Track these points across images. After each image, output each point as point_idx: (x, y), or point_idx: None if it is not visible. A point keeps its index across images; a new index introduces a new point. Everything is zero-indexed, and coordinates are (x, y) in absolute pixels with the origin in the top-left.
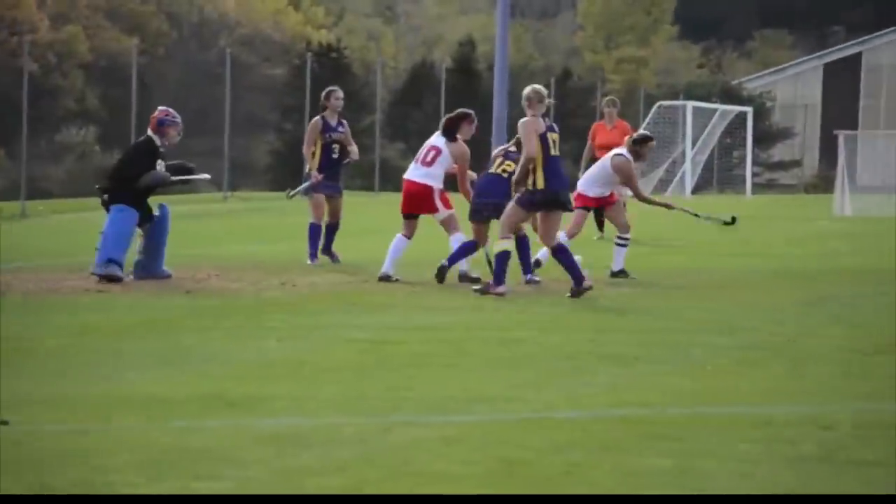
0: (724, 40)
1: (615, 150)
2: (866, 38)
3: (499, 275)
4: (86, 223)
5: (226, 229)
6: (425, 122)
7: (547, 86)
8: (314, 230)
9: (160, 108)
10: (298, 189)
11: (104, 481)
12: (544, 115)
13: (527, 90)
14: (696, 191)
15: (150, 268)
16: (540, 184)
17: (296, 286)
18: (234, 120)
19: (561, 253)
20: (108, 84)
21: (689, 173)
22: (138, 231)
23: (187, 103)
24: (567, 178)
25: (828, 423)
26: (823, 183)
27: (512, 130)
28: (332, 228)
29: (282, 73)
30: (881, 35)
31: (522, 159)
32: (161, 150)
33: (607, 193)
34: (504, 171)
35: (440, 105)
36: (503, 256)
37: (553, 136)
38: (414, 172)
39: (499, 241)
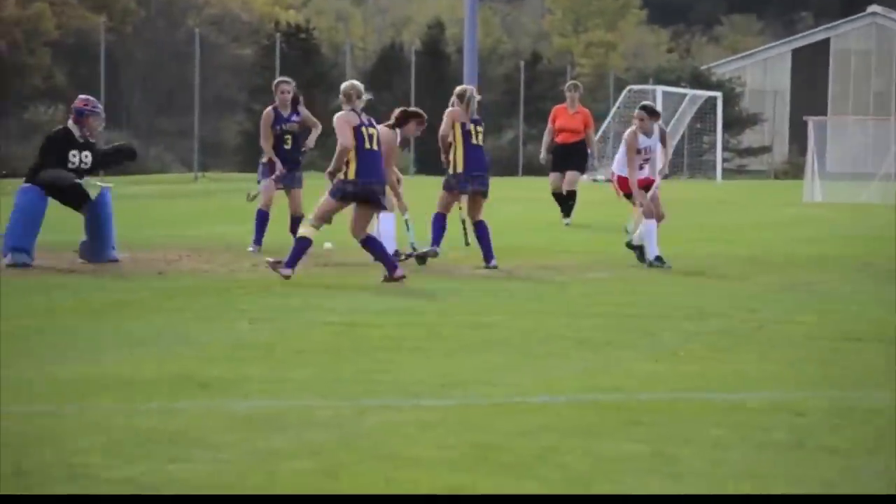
0: (692, 25)
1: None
2: (834, 23)
3: (292, 258)
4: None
5: (197, 210)
6: (394, 104)
7: (516, 69)
8: (262, 217)
9: (80, 96)
10: (258, 192)
11: (78, 463)
12: (363, 111)
13: (344, 85)
14: (666, 176)
15: (96, 252)
16: (352, 175)
17: (267, 268)
18: (203, 100)
19: (370, 242)
20: (75, 62)
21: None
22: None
23: (156, 83)
24: (382, 174)
25: (800, 410)
26: (793, 169)
27: (483, 114)
28: (297, 221)
29: (251, 54)
30: (849, 21)
31: (337, 150)
32: (80, 140)
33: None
34: (482, 140)
35: (409, 87)
36: (303, 243)
37: (370, 131)
38: None
39: (306, 226)
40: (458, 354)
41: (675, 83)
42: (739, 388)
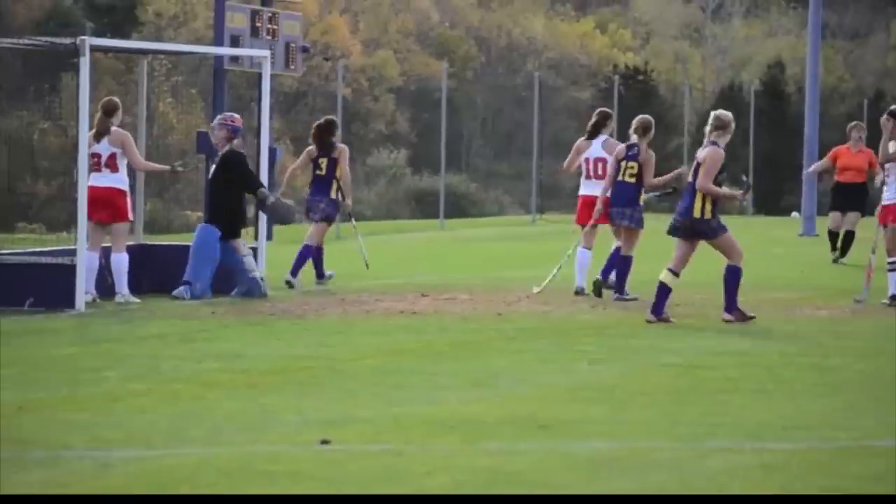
0: None
1: None
2: None
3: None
4: (398, 245)
5: (534, 252)
6: (731, 145)
7: (859, 108)
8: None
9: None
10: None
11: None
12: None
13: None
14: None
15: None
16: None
17: (606, 309)
18: (541, 143)
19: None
20: (417, 107)
21: None
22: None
23: (495, 126)
24: (630, 201)
25: None
26: None
27: (822, 153)
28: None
29: (588, 96)
30: None
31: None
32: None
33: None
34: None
35: (749, 127)
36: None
37: (626, 165)
38: (592, 187)
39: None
40: (801, 397)
41: None
42: None
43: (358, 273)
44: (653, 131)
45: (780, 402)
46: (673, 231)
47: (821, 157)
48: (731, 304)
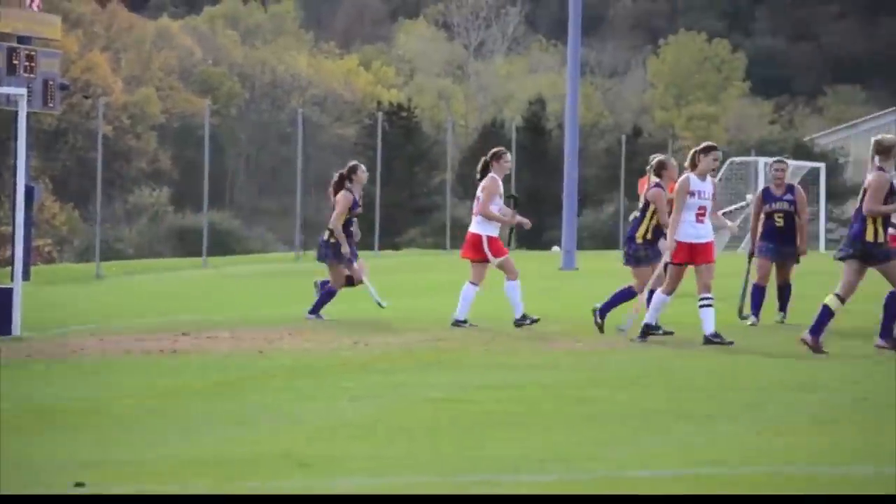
0: (795, 96)
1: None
2: None
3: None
4: (160, 284)
5: (298, 289)
6: None
7: (617, 143)
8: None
9: None
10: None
11: None
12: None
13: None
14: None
15: None
16: None
17: (368, 345)
18: (305, 179)
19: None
20: (180, 145)
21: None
22: None
23: (259, 163)
24: (627, 239)
25: None
26: None
27: (582, 187)
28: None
29: (353, 133)
30: None
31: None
32: None
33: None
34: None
35: (511, 163)
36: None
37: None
38: (473, 225)
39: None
40: (559, 429)
41: (778, 154)
42: (845, 461)
43: (118, 312)
44: (666, 170)
45: (538, 434)
46: (846, 257)
47: (581, 189)
48: (887, 331)
